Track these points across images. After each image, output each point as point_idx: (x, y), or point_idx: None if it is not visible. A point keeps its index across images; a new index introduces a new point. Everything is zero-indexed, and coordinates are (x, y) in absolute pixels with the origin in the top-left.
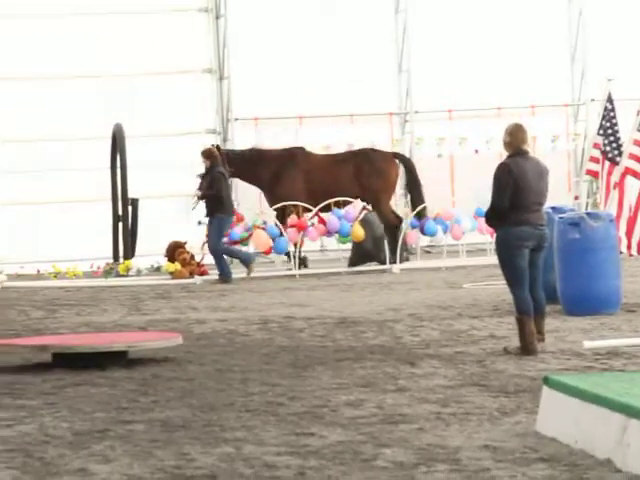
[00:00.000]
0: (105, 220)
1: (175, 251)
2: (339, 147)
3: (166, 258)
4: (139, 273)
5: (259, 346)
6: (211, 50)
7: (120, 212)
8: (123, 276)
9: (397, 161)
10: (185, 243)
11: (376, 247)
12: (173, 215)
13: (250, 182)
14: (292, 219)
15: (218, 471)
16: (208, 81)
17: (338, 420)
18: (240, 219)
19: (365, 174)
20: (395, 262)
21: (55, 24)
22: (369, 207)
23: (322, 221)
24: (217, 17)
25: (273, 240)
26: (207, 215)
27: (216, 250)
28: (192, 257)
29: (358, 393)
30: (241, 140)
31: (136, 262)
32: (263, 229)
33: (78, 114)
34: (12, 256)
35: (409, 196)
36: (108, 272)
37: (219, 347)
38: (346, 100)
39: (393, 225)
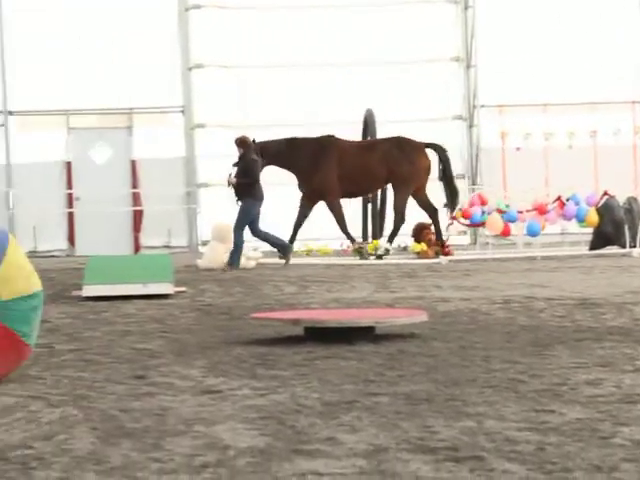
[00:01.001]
0: (355, 202)
1: (421, 232)
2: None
3: (413, 239)
4: (387, 252)
5: (501, 325)
6: (459, 39)
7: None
8: (372, 255)
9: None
10: (430, 225)
11: (617, 231)
12: None
13: (287, 169)
14: (534, 202)
15: (460, 444)
16: (456, 69)
17: (577, 398)
18: (484, 202)
19: (393, 159)
20: (635, 246)
21: (311, 15)
22: (610, 193)
23: (562, 205)
24: (465, 8)
25: (510, 224)
26: (238, 199)
27: (254, 233)
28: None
29: (597, 372)
30: (485, 127)
31: (383, 242)
32: (504, 212)
33: (331, 100)
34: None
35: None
36: (357, 251)
37: (462, 325)
38: (588, 88)
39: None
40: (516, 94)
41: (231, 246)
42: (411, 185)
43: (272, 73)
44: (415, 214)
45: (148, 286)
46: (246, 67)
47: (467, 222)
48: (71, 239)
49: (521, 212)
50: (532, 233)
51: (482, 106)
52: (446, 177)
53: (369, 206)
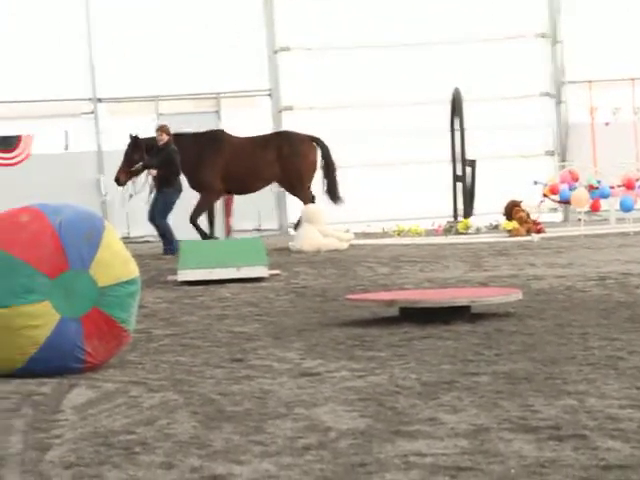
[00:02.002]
0: (445, 180)
1: (512, 210)
2: None
3: (504, 217)
4: (478, 231)
5: (597, 302)
6: (545, 15)
7: (459, 172)
8: (462, 234)
9: (314, 144)
10: (521, 202)
11: None
12: (510, 175)
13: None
14: (623, 177)
15: (562, 422)
16: (542, 45)
17: None
18: (575, 178)
19: (285, 156)
20: None
21: None
22: None
23: None
24: None
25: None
26: (158, 190)
27: (152, 220)
28: (528, 215)
29: None
30: (574, 103)
31: (475, 221)
32: (596, 188)
33: (418, 80)
34: (359, 215)
35: (325, 181)
36: (448, 230)
37: (558, 302)
38: None
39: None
40: (604, 69)
41: (323, 228)
42: (306, 178)
43: (358, 54)
44: (493, 194)
45: (242, 270)
46: (332, 49)
47: (556, 198)
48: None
49: (612, 187)
50: (626, 208)
51: (570, 82)
52: (330, 171)
53: (458, 185)
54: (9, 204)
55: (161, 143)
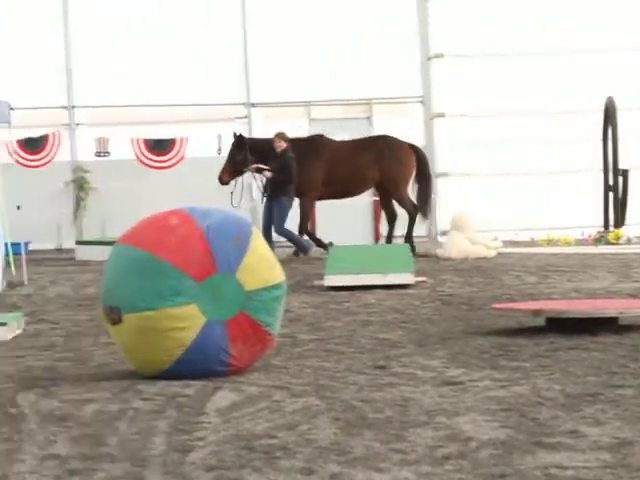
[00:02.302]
0: (596, 190)
1: None
2: None
3: None
4: (629, 242)
5: None
6: None
7: (611, 182)
8: (613, 244)
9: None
10: None
11: None
12: None
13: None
14: None
15: None
16: None
17: None
18: None
19: (384, 159)
20: None
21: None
22: None
23: None
24: None
25: None
26: (270, 197)
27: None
28: None
29: None
30: None
31: (626, 231)
32: None
33: (570, 88)
34: (508, 223)
35: (417, 187)
36: (598, 240)
37: None
38: None
39: (411, 213)
40: None
41: (471, 235)
42: (404, 183)
43: (510, 61)
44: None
45: (388, 276)
46: (484, 56)
47: None
48: (312, 229)
49: None
50: None
51: None
52: (424, 178)
53: (610, 195)
54: (162, 206)
55: (279, 150)
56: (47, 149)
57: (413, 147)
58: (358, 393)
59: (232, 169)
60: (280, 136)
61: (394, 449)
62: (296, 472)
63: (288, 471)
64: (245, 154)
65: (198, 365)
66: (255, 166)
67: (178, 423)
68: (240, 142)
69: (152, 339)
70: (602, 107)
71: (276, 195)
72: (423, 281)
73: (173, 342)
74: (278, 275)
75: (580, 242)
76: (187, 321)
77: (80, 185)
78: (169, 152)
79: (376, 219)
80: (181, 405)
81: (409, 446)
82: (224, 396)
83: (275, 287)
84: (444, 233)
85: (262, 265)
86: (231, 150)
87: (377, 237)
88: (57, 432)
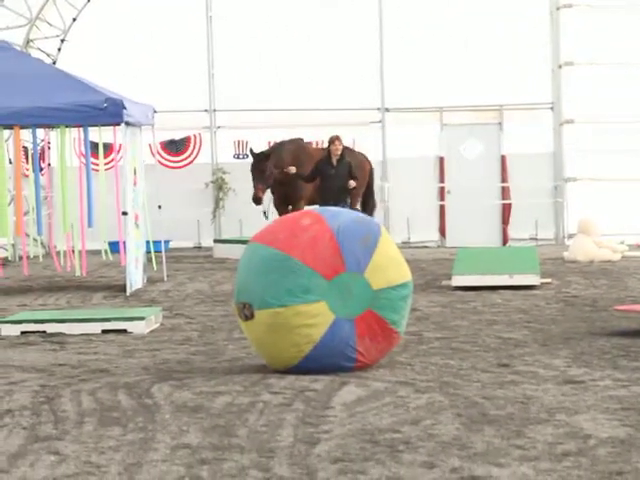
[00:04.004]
0: None
1: None
2: None
3: None
4: None
5: None
6: None
7: None
8: None
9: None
10: None
11: None
12: None
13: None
14: None
15: None
16: None
17: None
18: None
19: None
20: None
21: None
22: None
23: None
24: None
25: None
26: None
27: None
28: None
29: None
30: None
31: None
32: None
33: None
34: (634, 228)
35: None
36: None
37: None
38: None
39: None
40: None
41: (597, 239)
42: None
43: (638, 70)
44: None
45: (514, 277)
46: (614, 64)
47: None
48: (442, 231)
49: None
50: None
51: None
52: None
53: None
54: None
55: (338, 153)
56: (188, 151)
57: (368, 160)
58: (481, 390)
59: (264, 185)
60: (339, 139)
61: (514, 445)
62: (418, 466)
63: (410, 464)
64: (265, 164)
65: (326, 360)
66: (293, 168)
67: (305, 416)
68: (259, 157)
69: (282, 335)
70: None
71: (345, 199)
72: (549, 282)
73: (303, 338)
74: (405, 275)
75: None
76: (316, 318)
77: (219, 186)
78: None
79: (504, 222)
80: (309, 399)
81: (529, 442)
82: (350, 391)
83: (402, 286)
84: (571, 236)
85: (389, 265)
86: (255, 167)
87: (505, 240)
88: (189, 423)
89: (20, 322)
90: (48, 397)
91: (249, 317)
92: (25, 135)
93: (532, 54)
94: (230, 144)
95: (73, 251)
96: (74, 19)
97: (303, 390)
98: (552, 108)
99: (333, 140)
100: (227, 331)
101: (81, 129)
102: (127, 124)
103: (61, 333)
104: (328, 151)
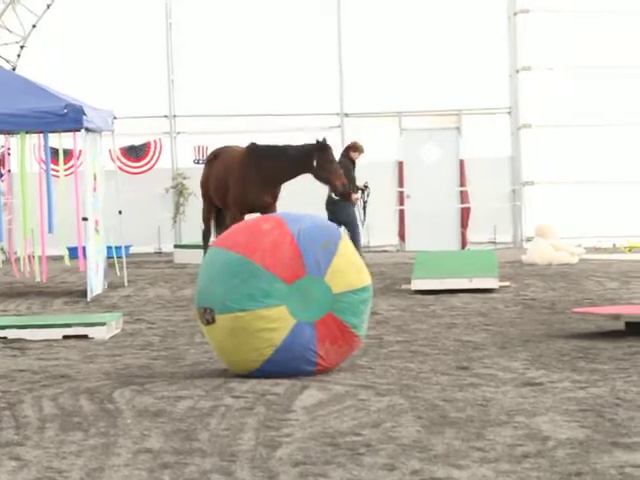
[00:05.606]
0: None
1: None
2: None
3: None
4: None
5: None
6: None
7: None
8: None
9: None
10: None
11: None
12: None
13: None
14: None
15: None
16: None
17: None
18: None
19: None
20: None
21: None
22: None
23: None
24: None
25: None
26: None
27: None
28: None
29: None
30: None
31: None
32: None
33: None
34: (591, 231)
35: None
36: None
37: None
38: None
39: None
40: None
41: (555, 242)
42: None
43: (595, 74)
44: None
45: (473, 281)
46: (573, 68)
47: None
48: (402, 235)
49: None
50: None
51: None
52: None
53: None
54: None
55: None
56: (148, 156)
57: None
58: (441, 393)
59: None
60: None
61: (474, 447)
62: (379, 468)
63: (371, 467)
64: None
65: (287, 364)
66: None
67: (267, 420)
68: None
69: (243, 339)
70: None
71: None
72: (507, 286)
73: (264, 342)
74: (365, 279)
75: None
76: (277, 322)
77: (180, 191)
78: None
79: (463, 226)
80: (270, 403)
81: (489, 444)
82: (311, 394)
83: (362, 290)
84: (529, 240)
85: (350, 269)
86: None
87: (464, 243)
88: (151, 427)
89: None
90: (9, 403)
91: (210, 322)
92: None
93: (490, 59)
94: (190, 149)
95: (33, 257)
96: (34, 25)
97: (264, 394)
98: (510, 113)
99: (362, 150)
100: (188, 336)
101: (41, 135)
102: (87, 130)
103: (22, 339)
104: (351, 157)
